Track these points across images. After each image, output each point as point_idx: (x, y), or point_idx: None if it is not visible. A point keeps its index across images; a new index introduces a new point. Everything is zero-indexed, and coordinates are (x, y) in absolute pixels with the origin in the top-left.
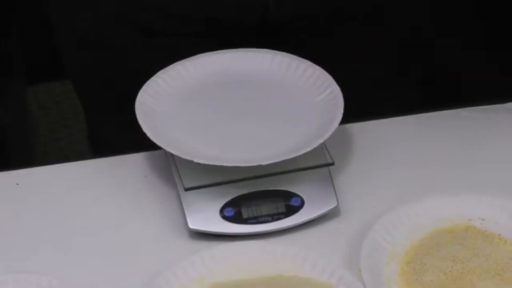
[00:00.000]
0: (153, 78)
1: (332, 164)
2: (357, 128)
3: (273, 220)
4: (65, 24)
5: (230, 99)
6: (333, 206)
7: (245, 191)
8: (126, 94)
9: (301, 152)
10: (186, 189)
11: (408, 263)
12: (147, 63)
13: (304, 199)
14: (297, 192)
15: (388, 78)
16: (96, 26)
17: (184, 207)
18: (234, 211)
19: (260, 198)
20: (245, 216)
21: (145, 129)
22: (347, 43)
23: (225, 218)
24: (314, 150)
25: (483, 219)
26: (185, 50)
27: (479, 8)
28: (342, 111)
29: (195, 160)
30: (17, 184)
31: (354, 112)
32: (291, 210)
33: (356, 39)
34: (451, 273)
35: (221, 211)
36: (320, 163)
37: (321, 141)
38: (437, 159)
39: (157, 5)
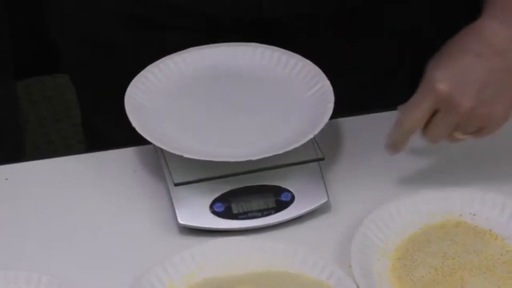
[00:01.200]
0: (143, 73)
1: (323, 159)
2: (348, 123)
3: (263, 215)
4: (64, 20)
5: (219, 94)
6: (323, 201)
7: (235, 186)
8: (124, 88)
9: (291, 147)
10: (176, 184)
11: (398, 259)
12: (146, 58)
13: (294, 194)
14: (287, 187)
15: (386, 76)
16: (96, 22)
17: (174, 203)
18: (224, 206)
19: (250, 193)
20: (235, 211)
21: (135, 123)
22: (345, 41)
23: (215, 213)
24: (305, 145)
25: (474, 215)
26: (183, 46)
27: (478, 8)
28: (332, 105)
29: (185, 155)
30: (6, 179)
31: (348, 107)
32: (281, 206)
33: (354, 37)
34: (442, 269)
35: (211, 206)
36: (311, 158)
37: (311, 136)
38: (428, 153)
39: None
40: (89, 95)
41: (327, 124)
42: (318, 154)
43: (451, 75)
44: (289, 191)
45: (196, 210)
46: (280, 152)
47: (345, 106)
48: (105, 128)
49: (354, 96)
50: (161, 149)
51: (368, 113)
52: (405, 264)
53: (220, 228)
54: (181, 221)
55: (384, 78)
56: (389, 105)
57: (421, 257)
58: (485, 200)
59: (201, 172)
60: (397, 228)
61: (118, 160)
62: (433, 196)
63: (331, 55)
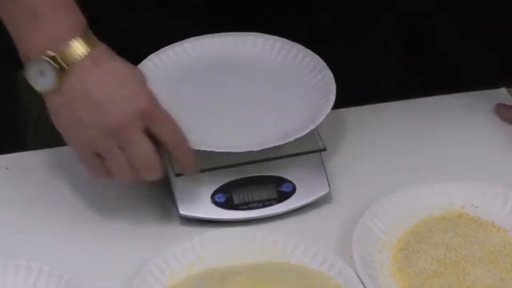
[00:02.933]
0: (144, 62)
1: (324, 149)
2: (350, 113)
3: (264, 206)
4: None
5: (221, 84)
6: (325, 192)
7: (236, 177)
8: None
9: (293, 138)
10: (177, 175)
11: (400, 250)
12: (144, 41)
13: (296, 185)
14: (289, 178)
15: (386, 63)
16: (96, 4)
17: (175, 193)
18: (225, 197)
19: (252, 184)
20: (236, 202)
21: None
22: (345, 28)
23: (216, 204)
24: (306, 136)
25: (476, 207)
26: (189, 31)
27: None
28: (334, 96)
29: None
30: (7, 168)
31: (348, 97)
32: (283, 196)
33: (353, 24)
34: (444, 261)
35: (212, 197)
36: (312, 148)
37: (313, 126)
38: (430, 145)
39: None
40: None
41: (329, 115)
42: (320, 145)
43: None
44: (290, 182)
45: (197, 201)
46: (282, 142)
47: (346, 96)
48: None
49: (350, 81)
50: None
51: (370, 103)
52: (407, 256)
53: (221, 219)
54: (182, 212)
55: (382, 63)
56: (391, 95)
57: (423, 248)
58: (487, 192)
59: (202, 163)
60: (399, 219)
61: None
62: (435, 187)
63: (327, 39)
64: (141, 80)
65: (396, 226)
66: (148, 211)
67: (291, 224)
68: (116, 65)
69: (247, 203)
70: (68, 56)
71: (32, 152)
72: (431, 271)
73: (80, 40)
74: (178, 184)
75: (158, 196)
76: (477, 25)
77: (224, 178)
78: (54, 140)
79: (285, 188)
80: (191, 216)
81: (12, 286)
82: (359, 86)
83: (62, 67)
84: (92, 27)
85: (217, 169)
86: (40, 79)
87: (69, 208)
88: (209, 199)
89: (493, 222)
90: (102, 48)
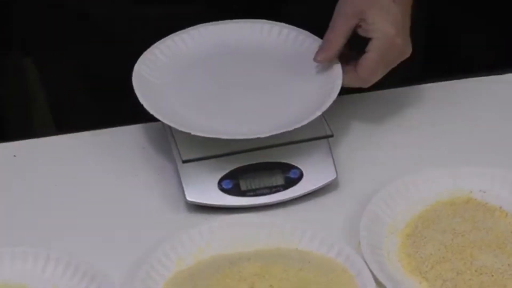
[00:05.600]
0: (150, 49)
1: (331, 136)
2: (357, 99)
3: (271, 192)
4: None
5: (228, 71)
6: (332, 178)
7: (243, 163)
8: (132, 63)
9: (300, 124)
10: (184, 161)
11: (408, 236)
12: (154, 32)
13: (303, 171)
14: (296, 164)
15: None
16: None
17: (182, 180)
18: (232, 183)
19: (259, 170)
20: (243, 188)
21: (142, 100)
22: None
23: (223, 190)
24: (313, 122)
25: (484, 192)
26: (191, 19)
27: None
28: (340, 82)
29: (193, 133)
30: (14, 156)
31: None
32: (290, 183)
33: None
34: (451, 246)
35: (219, 183)
36: (319, 135)
37: (319, 113)
38: (437, 130)
39: None
40: (97, 75)
41: (336, 101)
42: (327, 131)
43: None
44: (297, 168)
45: (204, 187)
46: (289, 129)
47: None
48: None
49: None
50: (169, 126)
51: (377, 89)
52: (414, 241)
53: (228, 205)
54: (189, 198)
55: None
56: (398, 80)
57: (430, 234)
58: (495, 177)
59: (209, 149)
60: (406, 205)
61: (126, 137)
62: (442, 173)
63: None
64: None
65: (404, 212)
66: (155, 197)
67: (299, 210)
68: None
69: (254, 190)
70: None
71: (39, 139)
72: (439, 257)
73: None
74: (185, 171)
75: (165, 183)
76: (481, 7)
77: (231, 165)
78: (61, 128)
79: (292, 174)
80: (198, 202)
81: (20, 273)
82: None
83: None
84: (98, 16)
85: (224, 155)
86: None
87: (76, 195)
88: (216, 186)
89: (501, 207)
90: None
